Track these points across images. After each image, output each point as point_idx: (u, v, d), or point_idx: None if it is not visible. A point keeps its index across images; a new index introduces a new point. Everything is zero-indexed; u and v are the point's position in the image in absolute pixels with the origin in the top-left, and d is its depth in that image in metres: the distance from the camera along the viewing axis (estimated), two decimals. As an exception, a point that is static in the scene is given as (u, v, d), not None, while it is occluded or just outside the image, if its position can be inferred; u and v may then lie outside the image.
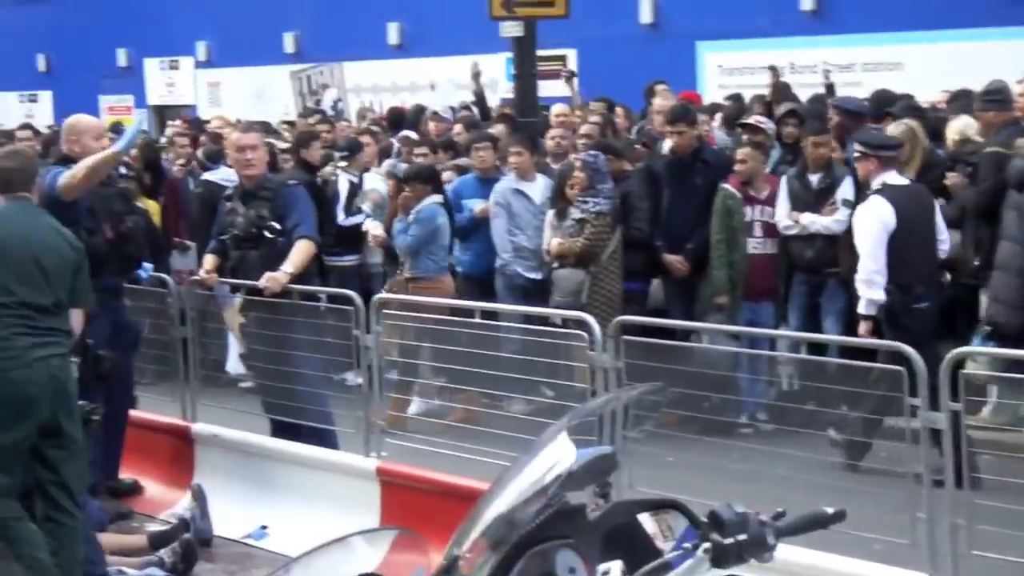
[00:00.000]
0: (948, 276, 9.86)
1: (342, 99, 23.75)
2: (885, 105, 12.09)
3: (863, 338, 8.96)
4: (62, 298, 7.14)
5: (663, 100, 13.18)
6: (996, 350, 8.26)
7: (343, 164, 13.08)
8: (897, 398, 6.52)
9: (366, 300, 8.67)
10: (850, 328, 9.46)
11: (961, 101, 12.02)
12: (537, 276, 11.34)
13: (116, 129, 13.83)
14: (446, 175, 12.38)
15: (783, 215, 10.65)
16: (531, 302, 10.87)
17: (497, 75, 19.86)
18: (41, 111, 27.89)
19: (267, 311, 8.98)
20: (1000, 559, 6.18)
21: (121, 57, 28.10)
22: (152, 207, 12.70)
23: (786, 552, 3.54)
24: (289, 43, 25.32)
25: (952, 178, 10.14)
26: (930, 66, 16.64)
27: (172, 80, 27.52)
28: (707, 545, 3.32)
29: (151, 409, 9.91)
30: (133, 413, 9.28)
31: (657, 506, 3.65)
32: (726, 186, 10.85)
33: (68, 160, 8.42)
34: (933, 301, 9.38)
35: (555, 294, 10.76)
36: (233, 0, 25.89)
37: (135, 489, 9.37)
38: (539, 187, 11.58)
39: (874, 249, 9.26)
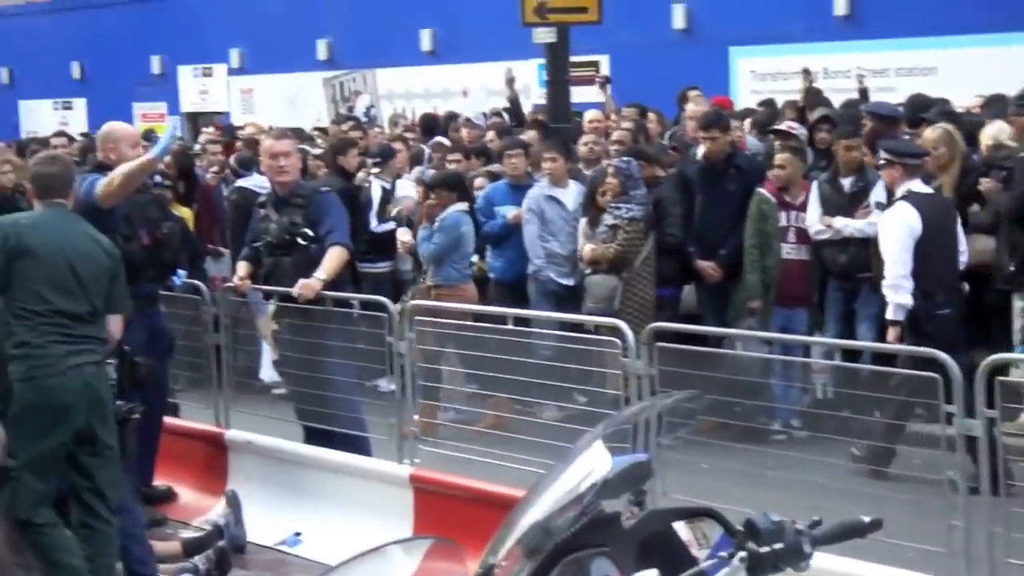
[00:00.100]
0: (967, 286, 9.78)
1: (375, 105, 23.79)
2: (920, 110, 12.04)
3: (893, 344, 8.96)
4: (97, 306, 7.16)
5: (696, 106, 13.16)
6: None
7: (376, 170, 13.09)
8: (932, 404, 6.49)
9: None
10: (884, 334, 9.42)
11: (995, 106, 11.96)
12: (570, 282, 11.32)
13: (149, 137, 13.88)
14: (478, 181, 12.38)
15: (814, 220, 10.60)
16: (564, 308, 10.86)
17: (530, 81, 19.86)
18: (75, 118, 28.03)
19: (300, 318, 8.99)
20: (1037, 567, 6.16)
21: (155, 64, 28.22)
22: (186, 214, 12.74)
23: (820, 559, 3.52)
24: (322, 50, 25.38)
25: (986, 183, 10.08)
26: (964, 71, 16.56)
27: (205, 87, 27.62)
28: (743, 554, 3.31)
29: (185, 415, 9.96)
30: (167, 420, 9.32)
31: (692, 514, 3.63)
32: (761, 191, 10.81)
33: (104, 167, 8.42)
34: (955, 308, 9.36)
35: (588, 300, 10.75)
36: (266, 7, 25.97)
37: (169, 496, 9.41)
38: (572, 193, 11.56)
39: (901, 254, 9.26)
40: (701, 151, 11.53)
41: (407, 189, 13.13)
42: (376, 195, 12.91)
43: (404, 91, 23.90)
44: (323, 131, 18.07)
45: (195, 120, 26.75)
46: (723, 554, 3.36)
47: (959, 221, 9.63)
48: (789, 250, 10.77)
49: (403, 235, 12.30)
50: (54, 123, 25.64)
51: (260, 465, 9.28)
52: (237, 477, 9.33)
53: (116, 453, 7.24)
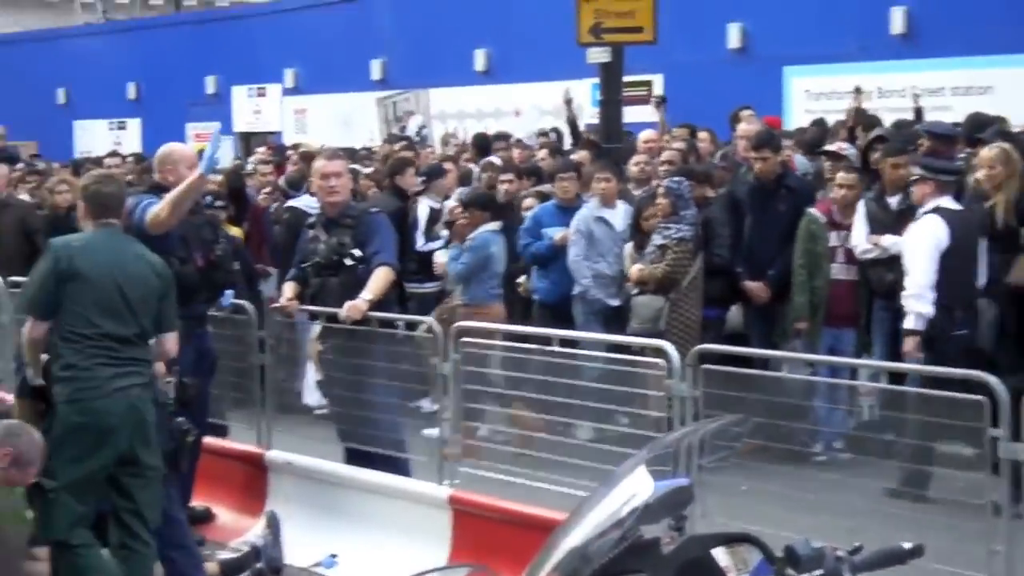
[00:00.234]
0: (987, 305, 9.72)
1: (427, 125, 23.87)
2: (979, 129, 11.89)
3: (910, 355, 9.12)
4: (146, 327, 7.17)
5: (747, 125, 13.10)
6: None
7: (417, 189, 13.11)
8: (974, 428, 6.41)
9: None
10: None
11: (1051, 126, 11.84)
12: (617, 303, 11.26)
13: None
14: (528, 201, 12.35)
15: (861, 239, 10.50)
16: (610, 329, 10.79)
17: (583, 101, 19.85)
18: (129, 139, 28.29)
19: (345, 339, 8.97)
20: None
21: (209, 85, 28.46)
22: (236, 234, 12.78)
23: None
24: (376, 70, 25.51)
25: None
26: (1020, 90, 16.43)
27: (259, 107, 27.80)
28: (781, 580, 3.26)
29: (226, 436, 9.97)
30: (208, 440, 9.32)
31: (731, 540, 3.60)
32: (812, 211, 10.74)
33: (160, 188, 8.36)
34: (972, 330, 9.35)
35: (633, 321, 10.68)
36: (320, 28, 26.14)
37: (207, 516, 9.40)
38: (620, 214, 11.51)
39: (926, 265, 9.36)
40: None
41: (455, 209, 13.13)
42: (423, 214, 12.91)
43: (457, 111, 23.97)
44: (368, 151, 18.12)
45: (248, 140, 26.92)
46: (762, 580, 3.32)
47: (982, 241, 9.65)
48: (838, 270, 10.68)
49: (439, 256, 12.26)
50: (108, 143, 25.85)
51: (299, 486, 9.26)
52: (276, 498, 9.32)
53: (158, 474, 7.25)
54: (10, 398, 10.15)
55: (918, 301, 9.31)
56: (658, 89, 19.91)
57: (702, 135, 14.54)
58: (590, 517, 3.47)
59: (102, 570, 7.12)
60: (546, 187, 12.65)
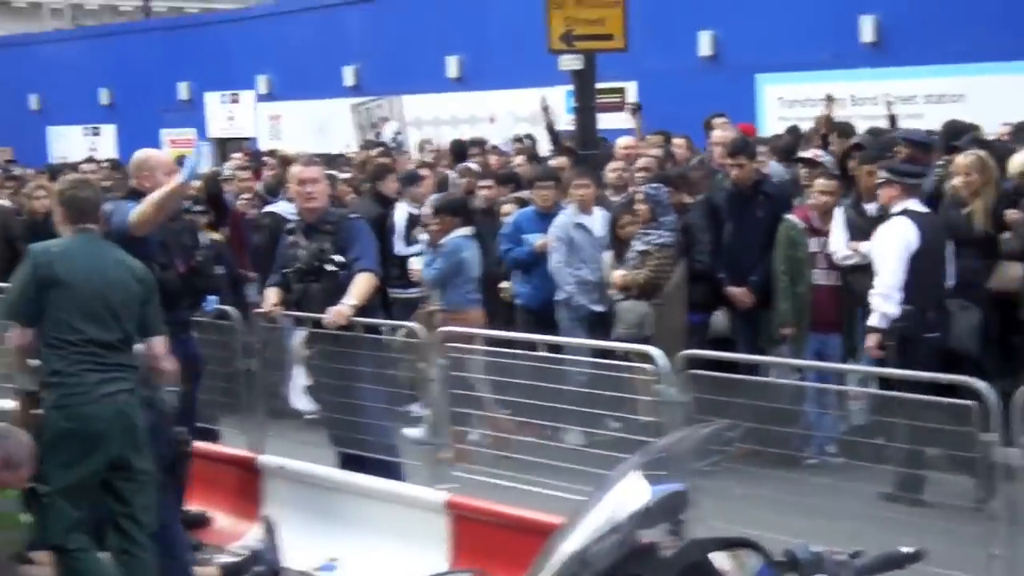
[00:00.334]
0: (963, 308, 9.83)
1: (402, 132, 23.87)
2: (954, 137, 12.00)
3: (871, 352, 9.34)
4: (130, 332, 7.18)
5: (722, 132, 13.16)
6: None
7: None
8: (968, 433, 6.46)
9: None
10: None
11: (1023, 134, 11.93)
12: (601, 308, 11.32)
13: (181, 162, 13.90)
14: (506, 208, 12.40)
15: (840, 245, 10.57)
16: (595, 335, 10.85)
17: (558, 108, 19.88)
18: (104, 144, 28.17)
19: (331, 344, 9.00)
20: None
21: (183, 91, 28.37)
22: (218, 239, 12.76)
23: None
24: (349, 76, 25.48)
25: (1012, 214, 10.06)
26: (992, 98, 16.54)
27: (233, 113, 27.73)
28: (782, 584, 3.30)
29: (218, 441, 9.97)
30: (200, 445, 9.30)
31: (731, 544, 3.62)
32: (790, 217, 10.81)
33: (137, 194, 8.37)
34: (944, 332, 9.48)
35: (618, 326, 10.73)
36: (293, 34, 26.10)
37: (203, 521, 9.41)
38: (598, 220, 11.57)
39: (895, 266, 9.48)
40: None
41: (430, 215, 13.15)
42: (401, 220, 12.93)
43: (431, 117, 23.97)
44: (345, 158, 18.14)
45: (223, 146, 26.86)
46: (763, 584, 3.35)
47: (948, 244, 9.80)
48: (820, 276, 10.73)
49: (415, 263, 12.28)
50: (83, 149, 25.76)
51: (294, 490, 9.28)
52: (272, 502, 9.33)
53: (151, 478, 7.27)
54: (7, 404, 10.16)
55: (885, 301, 9.45)
56: (632, 96, 19.95)
57: (678, 141, 14.58)
58: (587, 522, 3.46)
59: (100, 573, 7.14)
60: (524, 193, 12.70)
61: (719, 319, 11.17)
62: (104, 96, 29.83)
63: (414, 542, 8.11)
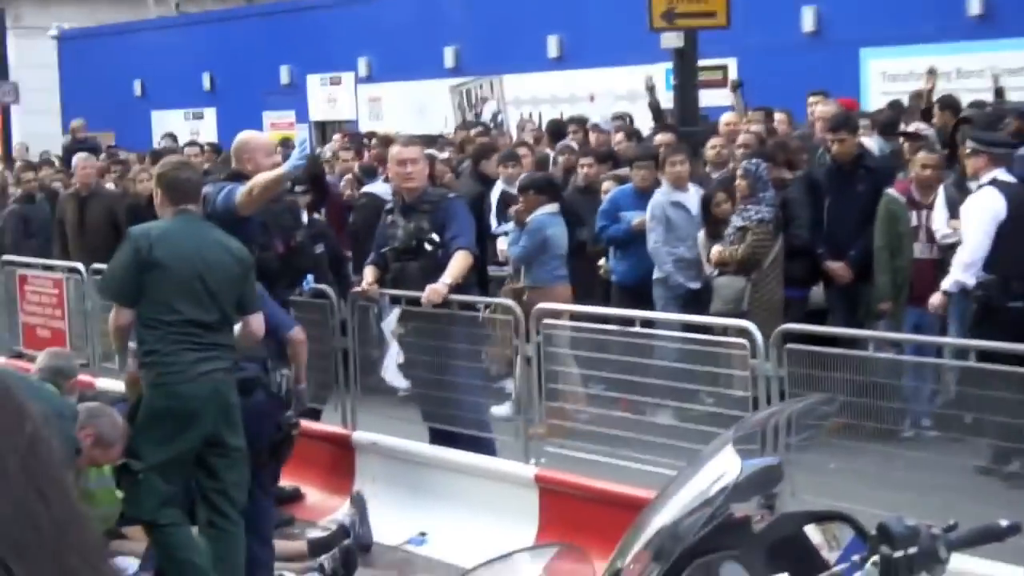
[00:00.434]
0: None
1: (501, 111, 23.84)
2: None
3: (934, 308, 9.47)
4: (227, 313, 7.21)
5: (824, 107, 13.01)
6: None
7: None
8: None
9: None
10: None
11: None
12: (697, 285, 11.24)
13: (287, 144, 14.02)
14: (606, 185, 12.34)
15: (942, 223, 10.42)
16: (689, 311, 10.77)
17: (658, 86, 19.77)
18: (206, 128, 28.43)
19: (426, 321, 9.01)
20: None
21: (284, 74, 28.54)
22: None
23: (953, 560, 3.43)
24: (449, 57, 25.49)
25: None
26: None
27: (333, 96, 27.86)
28: (876, 558, 3.22)
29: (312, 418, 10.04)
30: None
31: (823, 517, 3.56)
32: (891, 191, 10.67)
33: (240, 177, 8.40)
34: None
35: (715, 302, 10.66)
36: (393, 16, 26.14)
37: (296, 496, 9.49)
38: (694, 197, 11.48)
39: (981, 237, 9.45)
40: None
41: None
42: (496, 198, 12.91)
43: (531, 97, 23.90)
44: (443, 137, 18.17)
45: (323, 128, 27.01)
46: (856, 558, 3.27)
47: None
48: (920, 250, 10.58)
49: (501, 242, 12.23)
50: (185, 133, 26.00)
51: (386, 466, 9.35)
52: (363, 478, 9.41)
53: (243, 455, 7.31)
54: (97, 382, 10.31)
55: (964, 271, 9.45)
56: (732, 73, 19.78)
57: (779, 116, 14.46)
58: (679, 496, 3.42)
59: (191, 548, 7.20)
60: (624, 171, 12.64)
61: (816, 295, 11.07)
62: (206, 80, 30.12)
63: (503, 516, 8.14)
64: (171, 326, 7.06)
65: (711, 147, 12.71)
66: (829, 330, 8.90)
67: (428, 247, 9.12)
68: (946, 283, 9.49)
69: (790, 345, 7.38)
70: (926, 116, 13.19)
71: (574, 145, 14.80)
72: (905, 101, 15.25)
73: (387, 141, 14.49)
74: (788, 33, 20.64)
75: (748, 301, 10.45)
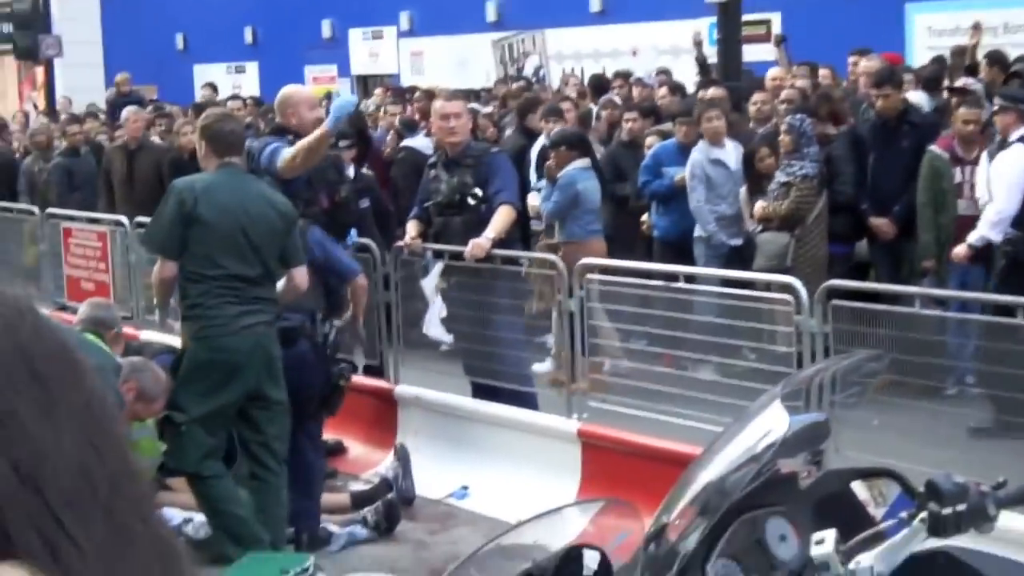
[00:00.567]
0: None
1: (544, 66, 23.74)
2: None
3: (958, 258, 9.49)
4: (270, 267, 7.24)
5: (868, 62, 12.90)
6: None
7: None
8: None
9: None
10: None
11: None
12: (738, 242, 11.21)
13: (330, 97, 13.99)
14: (649, 140, 12.29)
15: (983, 186, 10.31)
16: (731, 267, 10.73)
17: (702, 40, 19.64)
18: (248, 82, 28.43)
19: (469, 276, 9.02)
20: None
21: (325, 28, 28.48)
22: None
23: (1002, 517, 3.42)
24: (491, 11, 25.38)
25: None
26: None
27: (375, 50, 27.80)
28: (924, 515, 3.21)
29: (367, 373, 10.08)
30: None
31: (870, 474, 3.55)
32: (933, 148, 10.57)
33: (283, 130, 8.44)
34: None
35: (759, 257, 10.62)
36: (435, -30, 26.04)
37: (339, 449, 9.54)
38: (732, 153, 11.42)
39: (1009, 194, 9.43)
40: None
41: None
42: (534, 153, 12.87)
43: (573, 51, 23.79)
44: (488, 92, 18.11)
45: (365, 83, 26.97)
46: (903, 515, 3.26)
47: None
48: (965, 207, 10.47)
49: (532, 199, 12.16)
50: (227, 86, 26.01)
51: (429, 420, 9.39)
52: (406, 431, 9.46)
53: (285, 407, 7.36)
54: (141, 334, 10.37)
55: (992, 227, 9.45)
56: (776, 28, 19.62)
57: (823, 72, 14.37)
58: (726, 452, 3.41)
59: (233, 499, 7.27)
60: (667, 125, 12.58)
61: (860, 250, 11.01)
62: (248, 35, 30.10)
63: (546, 471, 8.16)
64: (215, 280, 7.10)
65: (753, 103, 12.63)
66: (874, 286, 8.85)
67: (471, 201, 9.12)
68: (972, 236, 9.48)
69: (835, 301, 7.35)
70: (971, 71, 13.06)
71: (617, 100, 14.74)
72: (948, 57, 15.11)
73: (431, 95, 14.49)
74: (833, -13, 20.45)
75: (792, 257, 10.40)
